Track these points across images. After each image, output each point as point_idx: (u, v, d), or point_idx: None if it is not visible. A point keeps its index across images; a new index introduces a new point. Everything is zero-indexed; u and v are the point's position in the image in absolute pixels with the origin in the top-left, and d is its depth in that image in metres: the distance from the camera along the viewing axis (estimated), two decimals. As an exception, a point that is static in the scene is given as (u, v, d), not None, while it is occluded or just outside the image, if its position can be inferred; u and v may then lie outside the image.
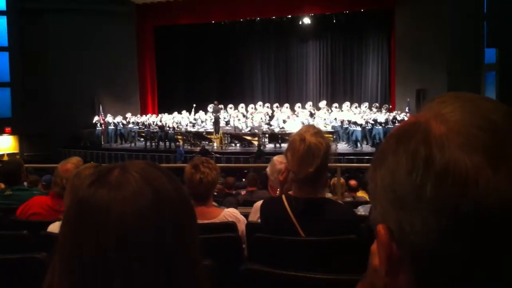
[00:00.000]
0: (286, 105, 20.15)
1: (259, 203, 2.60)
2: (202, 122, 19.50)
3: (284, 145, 15.77)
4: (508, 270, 0.47)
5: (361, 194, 7.20)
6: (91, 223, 0.70)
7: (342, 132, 17.44)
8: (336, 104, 19.75)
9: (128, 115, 20.31)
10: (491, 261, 0.47)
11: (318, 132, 2.18)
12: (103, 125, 19.97)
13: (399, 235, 0.51)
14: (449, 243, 0.47)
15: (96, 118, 19.98)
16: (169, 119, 19.51)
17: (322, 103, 19.84)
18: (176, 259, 0.71)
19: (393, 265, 0.52)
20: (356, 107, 19.24)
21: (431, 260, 0.49)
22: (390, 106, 19.22)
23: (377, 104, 19.33)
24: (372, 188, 0.56)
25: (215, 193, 3.61)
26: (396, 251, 0.52)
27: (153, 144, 18.95)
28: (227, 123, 19.26)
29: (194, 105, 20.04)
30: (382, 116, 17.07)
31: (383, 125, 16.37)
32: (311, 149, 2.09)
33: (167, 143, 18.59)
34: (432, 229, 0.48)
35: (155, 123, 19.17)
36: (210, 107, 19.81)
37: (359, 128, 16.72)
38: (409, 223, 0.50)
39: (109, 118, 20.10)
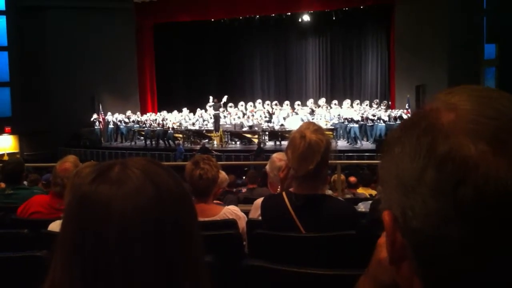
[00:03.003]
0: (286, 102, 20.13)
1: (259, 200, 2.61)
2: (204, 121, 19.48)
3: (284, 143, 15.77)
4: (507, 256, 0.47)
5: (361, 190, 7.21)
6: (93, 219, 0.70)
7: (342, 129, 17.44)
8: (335, 101, 19.74)
9: (128, 113, 20.29)
10: (490, 247, 0.47)
11: (318, 129, 2.18)
12: (101, 124, 19.95)
13: (403, 222, 0.52)
14: (448, 227, 0.48)
15: (94, 116, 19.96)
16: (172, 118, 19.48)
17: (322, 101, 19.83)
18: (177, 255, 0.72)
19: (396, 252, 0.53)
20: (357, 104, 19.23)
21: (431, 246, 0.49)
22: (390, 103, 19.22)
23: (377, 101, 19.33)
24: (380, 175, 0.57)
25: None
26: (400, 239, 0.53)
27: (153, 142, 18.95)
28: (225, 116, 19.23)
29: (198, 109, 20.12)
30: (382, 113, 17.08)
31: (386, 121, 16.40)
32: (311, 146, 2.09)
33: (167, 142, 18.59)
34: (432, 213, 0.49)
35: (156, 121, 19.16)
36: (209, 105, 19.80)
37: (356, 125, 16.74)
38: (411, 208, 0.50)
39: (109, 117, 20.09)
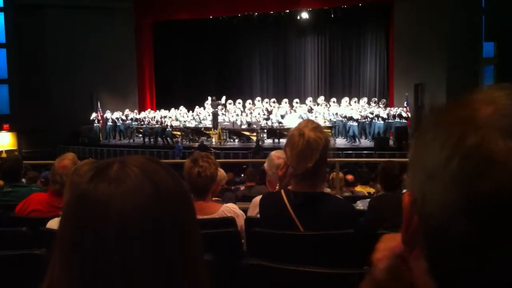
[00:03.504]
0: (285, 100, 20.13)
1: (258, 198, 2.61)
2: (201, 119, 19.47)
3: (283, 141, 15.78)
4: (508, 257, 0.47)
5: (359, 188, 7.22)
6: (91, 217, 0.70)
7: (340, 127, 17.46)
8: (334, 99, 19.74)
9: (127, 111, 20.29)
10: (492, 246, 0.47)
11: (317, 127, 2.18)
12: (100, 122, 19.95)
13: (421, 205, 0.53)
14: (457, 220, 0.48)
15: (94, 115, 19.96)
16: (171, 116, 19.49)
17: (320, 99, 19.84)
18: (176, 253, 0.72)
19: (411, 235, 0.54)
20: (355, 102, 19.24)
21: (438, 237, 0.50)
22: (387, 101, 19.23)
23: (375, 99, 19.33)
24: (410, 158, 0.58)
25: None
26: (416, 222, 0.54)
27: (151, 140, 18.95)
28: (223, 113, 19.24)
29: (197, 106, 20.12)
30: (380, 111, 17.10)
31: (385, 119, 16.42)
32: (310, 144, 2.09)
33: (165, 139, 18.59)
34: (448, 201, 0.49)
35: (155, 118, 19.15)
36: (207, 103, 19.79)
37: (355, 123, 16.75)
38: (430, 193, 0.51)
39: (107, 114, 20.07)
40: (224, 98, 19.00)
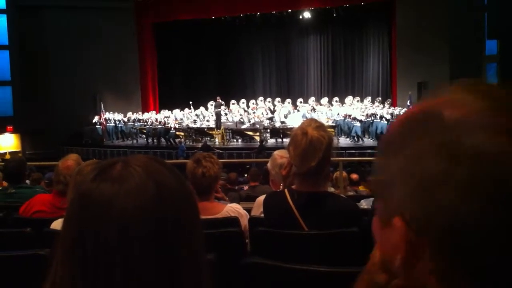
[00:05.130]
0: (288, 100, 20.13)
1: (261, 198, 2.60)
2: (204, 117, 19.48)
3: (286, 140, 15.78)
4: None
5: (362, 188, 7.20)
6: (94, 216, 0.69)
7: (344, 127, 17.44)
8: (337, 98, 19.72)
9: (129, 113, 20.33)
10: None
11: (320, 126, 2.17)
12: (103, 123, 19.97)
13: (422, 221, 0.51)
14: (482, 220, 0.47)
15: (96, 118, 20.01)
16: (173, 117, 19.50)
17: (324, 100, 19.84)
18: (178, 252, 0.71)
19: (412, 255, 0.52)
20: (358, 101, 19.20)
21: (459, 240, 0.49)
22: (391, 101, 19.20)
23: (379, 99, 19.30)
24: (383, 178, 0.56)
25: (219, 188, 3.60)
26: (415, 240, 0.52)
27: (155, 140, 18.97)
28: (226, 114, 19.24)
29: (191, 102, 20.10)
30: (384, 111, 17.05)
31: (388, 120, 16.37)
32: (313, 143, 2.09)
33: (169, 140, 18.60)
34: (463, 208, 0.48)
35: (158, 120, 19.18)
36: (211, 103, 19.81)
37: (358, 124, 16.71)
38: (435, 207, 0.49)
39: (109, 115, 20.09)
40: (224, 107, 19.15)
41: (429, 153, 0.50)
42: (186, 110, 20.27)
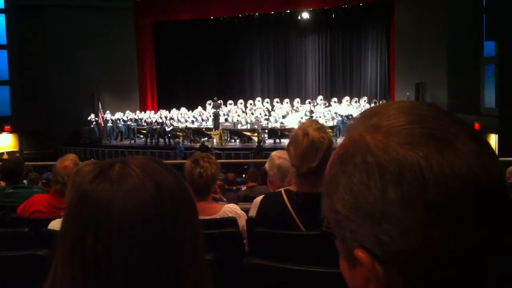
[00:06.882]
0: (286, 100, 20.13)
1: (259, 198, 2.60)
2: (203, 120, 19.46)
3: (284, 141, 15.79)
4: (494, 254, 0.48)
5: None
6: (93, 217, 0.70)
7: (342, 127, 17.45)
8: (335, 99, 19.73)
9: (127, 112, 20.31)
10: (470, 247, 0.47)
11: (320, 127, 2.18)
12: (100, 122, 19.93)
13: (380, 251, 0.51)
14: (431, 234, 0.48)
15: (92, 116, 19.96)
16: (173, 116, 19.50)
17: (319, 98, 19.85)
18: (178, 252, 0.72)
19: (382, 284, 0.52)
20: (356, 102, 19.22)
21: (420, 259, 0.49)
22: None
23: (375, 100, 19.32)
24: (333, 218, 0.57)
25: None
26: (381, 270, 0.51)
27: (153, 140, 18.96)
28: (226, 119, 19.23)
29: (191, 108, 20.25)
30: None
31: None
32: (314, 144, 2.09)
33: (167, 140, 18.60)
34: (409, 227, 0.48)
35: (155, 120, 19.16)
36: (209, 103, 19.80)
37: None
38: (386, 233, 0.50)
39: (108, 115, 20.07)
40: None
41: (361, 181, 0.51)
42: (184, 110, 20.26)
